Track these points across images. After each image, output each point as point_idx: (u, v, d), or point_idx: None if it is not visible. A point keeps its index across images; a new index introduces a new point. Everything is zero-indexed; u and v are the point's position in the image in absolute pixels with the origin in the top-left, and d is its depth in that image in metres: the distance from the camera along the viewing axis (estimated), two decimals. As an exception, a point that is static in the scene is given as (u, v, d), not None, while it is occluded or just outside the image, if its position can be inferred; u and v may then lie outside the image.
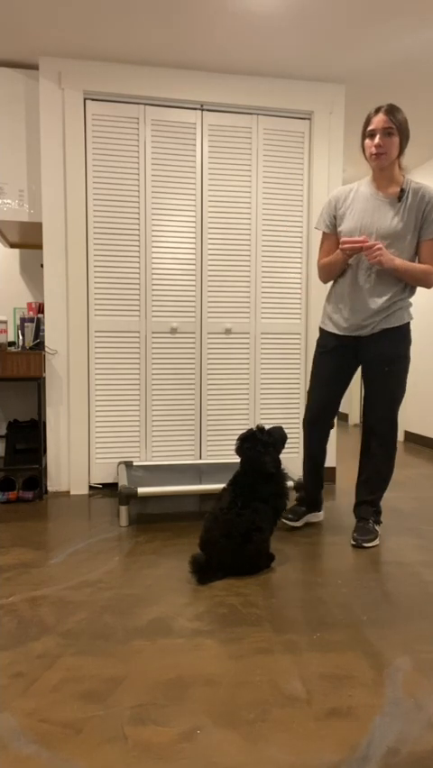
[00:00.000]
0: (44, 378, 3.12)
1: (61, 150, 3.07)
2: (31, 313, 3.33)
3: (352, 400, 5.97)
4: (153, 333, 3.25)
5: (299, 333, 3.42)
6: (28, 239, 3.53)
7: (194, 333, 3.30)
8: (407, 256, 2.29)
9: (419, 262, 2.32)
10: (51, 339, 3.15)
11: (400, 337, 2.36)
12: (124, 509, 2.63)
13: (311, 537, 2.50)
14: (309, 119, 3.32)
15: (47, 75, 3.02)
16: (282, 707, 1.33)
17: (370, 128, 2.23)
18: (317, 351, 2.52)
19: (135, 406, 3.27)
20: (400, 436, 5.12)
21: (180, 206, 3.23)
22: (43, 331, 3.16)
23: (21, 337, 3.17)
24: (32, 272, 3.73)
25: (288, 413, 3.43)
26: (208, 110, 3.21)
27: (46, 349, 3.12)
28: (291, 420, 3.42)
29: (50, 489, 3.21)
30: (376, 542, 2.41)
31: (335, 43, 2.88)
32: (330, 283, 2.48)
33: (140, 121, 3.14)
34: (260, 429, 2.20)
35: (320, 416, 2.50)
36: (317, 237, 3.34)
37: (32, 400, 3.62)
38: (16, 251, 3.72)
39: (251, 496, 2.08)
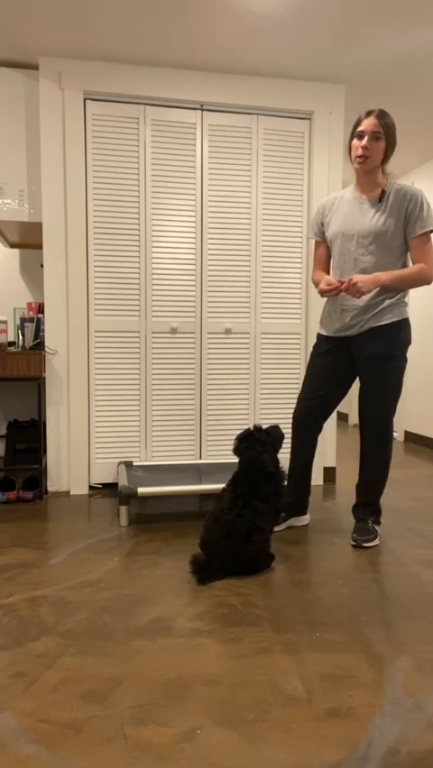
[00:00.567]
0: (44, 378, 3.12)
1: (61, 150, 3.07)
2: (31, 313, 3.33)
3: (352, 400, 5.97)
4: (153, 333, 3.25)
5: (299, 333, 3.42)
6: (28, 239, 3.53)
7: (194, 333, 3.30)
8: (392, 253, 2.29)
9: (411, 260, 2.32)
10: (51, 339, 3.15)
11: (390, 336, 2.31)
12: (124, 509, 2.63)
13: (311, 537, 2.50)
14: (309, 119, 3.32)
15: (47, 75, 3.02)
16: (282, 707, 1.33)
17: (359, 129, 2.26)
18: (311, 354, 2.54)
19: (135, 406, 3.27)
20: (400, 436, 5.12)
21: (180, 206, 3.23)
22: (43, 331, 3.16)
23: (21, 337, 3.17)
24: (32, 272, 3.73)
25: (288, 413, 3.42)
26: (208, 110, 3.21)
27: (46, 349, 3.12)
28: (290, 419, 3.42)
29: (50, 489, 3.22)
30: (376, 542, 2.41)
31: (335, 43, 2.88)
32: None
33: (140, 121, 3.14)
34: (257, 428, 2.20)
35: (306, 413, 2.49)
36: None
37: (32, 400, 3.62)
38: (16, 251, 3.72)
39: (251, 496, 2.08)
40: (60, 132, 3.06)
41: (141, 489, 2.62)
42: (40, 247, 3.49)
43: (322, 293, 2.31)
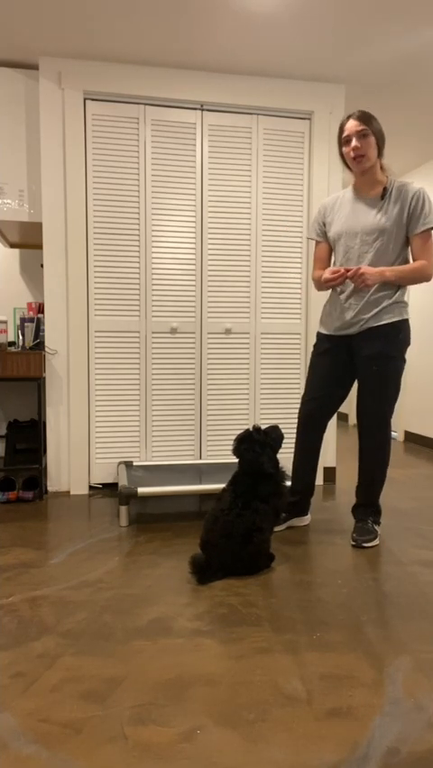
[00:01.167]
0: (44, 378, 3.12)
1: (61, 151, 3.07)
2: (31, 313, 3.33)
3: (351, 400, 5.96)
4: (153, 333, 3.25)
5: (299, 333, 3.42)
6: (28, 239, 3.53)
7: (194, 333, 3.30)
8: (394, 250, 2.30)
9: (412, 257, 2.32)
10: (51, 339, 3.15)
11: (390, 336, 2.31)
12: (124, 509, 2.63)
13: (311, 537, 2.50)
14: (309, 119, 3.32)
15: (47, 75, 3.02)
16: (282, 707, 1.33)
17: (345, 135, 2.28)
18: (312, 354, 2.55)
19: (135, 406, 3.27)
20: (400, 436, 5.12)
21: (180, 206, 3.23)
22: (43, 331, 3.16)
23: (21, 337, 3.18)
24: (32, 272, 3.73)
25: (288, 413, 3.42)
26: (208, 110, 3.21)
27: (46, 349, 3.12)
28: (291, 420, 3.42)
29: (50, 489, 3.22)
30: (376, 542, 2.41)
31: (335, 43, 2.88)
32: None
33: (140, 121, 3.14)
34: (256, 429, 2.19)
35: (311, 414, 2.50)
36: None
37: (32, 400, 3.62)
38: (16, 251, 3.72)
39: (251, 496, 2.08)
40: (60, 132, 3.06)
41: (141, 489, 2.62)
42: (40, 247, 3.50)
43: (327, 282, 2.31)
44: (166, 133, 3.18)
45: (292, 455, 2.58)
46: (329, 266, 2.51)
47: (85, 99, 3.08)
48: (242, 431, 2.22)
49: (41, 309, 3.32)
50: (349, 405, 6.07)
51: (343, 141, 2.30)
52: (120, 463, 3.19)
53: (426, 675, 1.46)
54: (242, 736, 1.23)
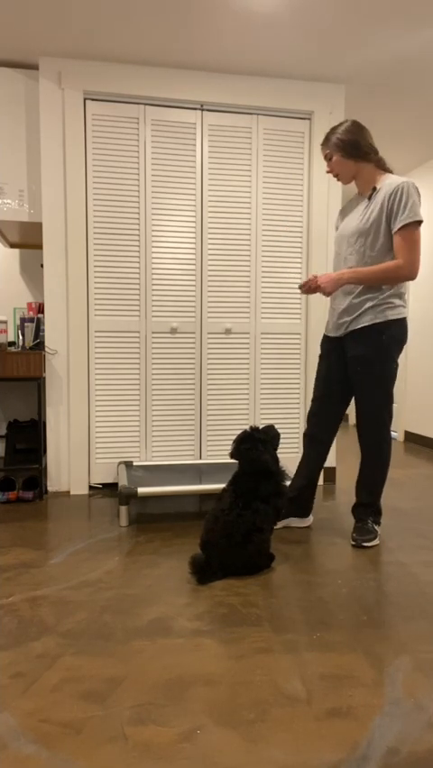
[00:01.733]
0: (44, 378, 3.12)
1: (61, 151, 3.07)
2: (31, 313, 3.33)
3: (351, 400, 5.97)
4: (153, 333, 3.25)
5: (299, 333, 3.42)
6: (28, 239, 3.53)
7: (194, 333, 3.30)
8: (378, 250, 2.27)
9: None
10: (51, 339, 3.15)
11: (370, 338, 2.29)
12: (124, 509, 2.63)
13: (311, 537, 2.50)
14: (309, 119, 3.32)
15: (47, 75, 3.02)
16: (282, 707, 1.33)
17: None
18: (319, 354, 2.58)
19: (135, 406, 3.27)
20: (400, 436, 5.12)
21: (180, 206, 3.23)
22: (43, 331, 3.16)
23: (21, 337, 3.17)
24: (32, 272, 3.73)
25: (288, 413, 3.43)
26: (208, 110, 3.21)
27: (46, 349, 3.12)
28: (291, 420, 3.43)
29: (50, 489, 3.22)
30: (376, 542, 2.41)
31: (335, 43, 2.88)
32: None
33: (140, 121, 3.14)
34: (255, 429, 2.20)
35: (315, 414, 2.52)
36: (317, 237, 3.35)
37: (32, 400, 3.62)
38: (16, 251, 3.72)
39: (252, 496, 2.08)
40: (60, 132, 3.06)
41: (141, 489, 2.62)
42: (40, 247, 3.50)
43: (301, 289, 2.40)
44: (166, 133, 3.18)
45: (295, 455, 2.58)
46: None
47: (85, 99, 3.08)
48: (239, 433, 2.22)
49: (41, 309, 3.32)
50: (349, 405, 6.07)
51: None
52: (120, 463, 3.19)
53: (426, 675, 1.46)
54: (242, 736, 1.23)
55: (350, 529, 2.51)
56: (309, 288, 2.35)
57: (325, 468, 3.45)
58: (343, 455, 3.96)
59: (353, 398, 2.51)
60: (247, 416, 3.40)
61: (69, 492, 3.21)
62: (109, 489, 3.24)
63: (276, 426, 2.30)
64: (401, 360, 5.45)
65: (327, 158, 2.35)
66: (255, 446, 2.14)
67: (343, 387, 2.48)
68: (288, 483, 2.33)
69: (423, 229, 4.67)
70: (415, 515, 2.85)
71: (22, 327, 3.16)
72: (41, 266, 3.29)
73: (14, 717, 1.29)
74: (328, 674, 1.46)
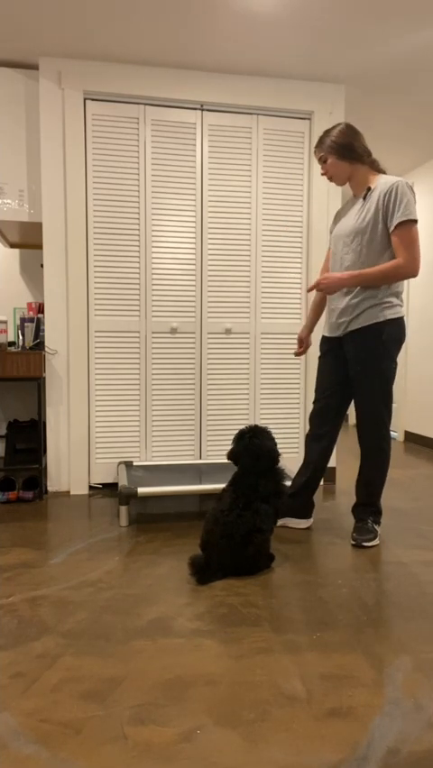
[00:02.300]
0: (44, 378, 3.12)
1: (61, 151, 3.07)
2: (31, 313, 3.33)
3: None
4: (153, 333, 3.25)
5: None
6: (28, 239, 3.53)
7: (194, 333, 3.30)
8: (374, 250, 2.27)
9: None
10: (51, 339, 3.15)
11: (369, 338, 2.30)
12: (124, 509, 2.63)
13: (311, 537, 2.50)
14: (309, 119, 3.32)
15: (47, 75, 3.02)
16: (282, 707, 1.33)
17: None
18: (319, 355, 2.58)
19: (135, 406, 3.27)
20: (400, 436, 5.12)
21: (180, 206, 3.23)
22: (43, 331, 3.16)
23: (21, 337, 3.18)
24: (32, 272, 3.73)
25: (288, 413, 3.43)
26: (208, 110, 3.21)
27: (46, 349, 3.12)
28: (291, 420, 3.43)
29: (50, 489, 3.22)
30: (376, 542, 2.41)
31: (335, 43, 2.88)
32: None
33: (140, 121, 3.14)
34: (255, 425, 2.22)
35: (316, 412, 2.52)
36: (317, 237, 3.35)
37: (32, 400, 3.62)
38: (16, 251, 3.72)
39: (252, 496, 2.08)
40: (60, 132, 3.06)
41: (141, 489, 2.62)
42: (40, 247, 3.50)
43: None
44: (166, 133, 3.18)
45: (296, 455, 2.58)
46: None
47: (85, 99, 3.08)
48: (237, 432, 2.23)
49: (41, 309, 3.32)
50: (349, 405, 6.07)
51: None
52: (120, 463, 3.19)
53: (426, 675, 1.46)
54: (242, 736, 1.23)
55: (350, 529, 2.51)
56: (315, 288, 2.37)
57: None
58: (343, 455, 3.96)
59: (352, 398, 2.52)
60: (247, 416, 3.40)
61: (69, 492, 3.21)
62: (109, 489, 3.24)
63: (275, 427, 2.31)
64: (401, 359, 5.47)
65: (322, 160, 2.36)
66: (260, 434, 2.15)
67: (343, 386, 2.49)
68: (287, 483, 2.33)
69: (422, 229, 4.68)
70: (415, 515, 2.85)
71: (22, 327, 3.16)
72: (41, 266, 3.29)
73: (14, 717, 1.29)
74: (328, 674, 1.46)
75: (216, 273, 3.30)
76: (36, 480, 3.10)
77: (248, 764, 1.15)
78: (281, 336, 3.40)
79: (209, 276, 3.29)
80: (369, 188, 2.30)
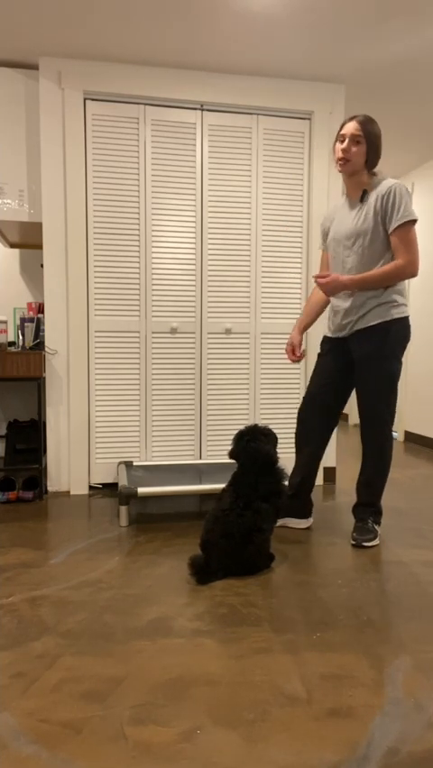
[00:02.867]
0: (44, 378, 3.12)
1: (61, 150, 3.07)
2: (31, 313, 3.33)
3: (352, 400, 5.97)
4: (153, 333, 3.25)
5: (299, 333, 3.42)
6: (28, 239, 3.53)
7: (194, 333, 3.30)
8: (375, 251, 2.28)
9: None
10: (51, 339, 3.15)
11: (377, 337, 2.31)
12: (124, 509, 2.63)
13: (311, 537, 2.50)
14: (309, 119, 3.32)
15: (47, 75, 3.02)
16: (282, 707, 1.33)
17: (341, 132, 2.28)
18: (317, 354, 2.57)
19: (135, 406, 3.27)
20: (400, 436, 5.12)
21: (180, 206, 3.23)
22: (43, 331, 3.16)
23: (21, 337, 3.18)
24: (32, 272, 3.73)
25: (288, 413, 3.42)
26: (208, 110, 3.21)
27: (46, 349, 3.12)
28: (291, 420, 3.42)
29: (50, 489, 3.22)
30: (376, 542, 2.41)
31: (335, 43, 2.88)
32: None
33: (140, 121, 3.14)
34: (255, 425, 2.21)
35: (307, 411, 2.51)
36: (317, 237, 3.35)
37: (32, 400, 3.62)
38: (16, 251, 3.72)
39: (252, 496, 2.08)
40: (60, 132, 3.06)
41: (141, 489, 2.62)
42: (40, 247, 3.50)
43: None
44: (166, 133, 3.18)
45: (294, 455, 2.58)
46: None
47: (85, 99, 3.08)
48: (238, 431, 2.23)
49: (41, 309, 3.32)
50: (349, 405, 6.07)
51: (338, 137, 2.30)
52: (120, 463, 3.19)
53: (426, 675, 1.46)
54: (242, 736, 1.23)
55: (350, 529, 2.51)
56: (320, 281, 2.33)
57: (325, 468, 3.46)
58: (343, 455, 3.96)
59: (347, 398, 2.53)
60: (247, 416, 3.40)
61: (69, 492, 3.21)
62: (109, 489, 3.24)
63: (275, 426, 2.31)
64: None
65: (355, 140, 2.23)
66: (258, 437, 2.14)
67: (340, 386, 2.48)
68: (286, 483, 2.33)
69: (422, 229, 4.68)
70: (415, 515, 2.85)
71: (22, 327, 3.16)
72: (41, 266, 3.29)
73: (14, 717, 1.29)
74: (328, 674, 1.46)
75: (216, 273, 3.30)
76: (36, 480, 3.10)
77: (248, 764, 1.15)
78: (281, 336, 3.40)
79: (209, 276, 3.29)
80: (365, 191, 2.30)
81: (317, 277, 2.32)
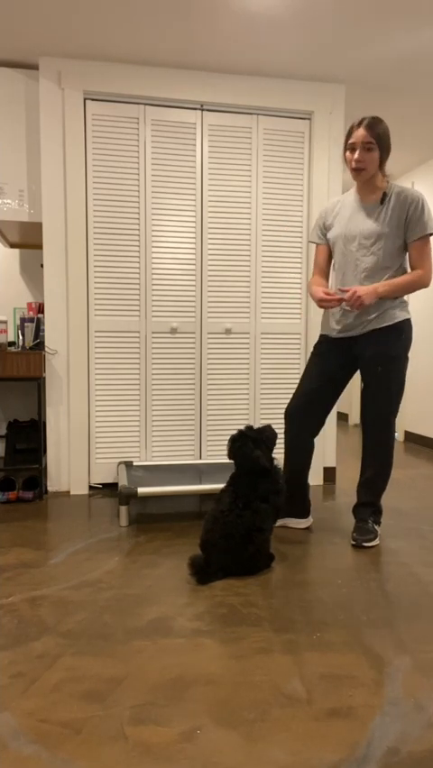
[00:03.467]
0: (44, 378, 3.12)
1: (61, 150, 3.07)
2: (31, 313, 3.33)
3: (352, 400, 5.97)
4: (153, 333, 3.25)
5: (299, 333, 3.42)
6: (28, 239, 3.53)
7: (194, 333, 3.30)
8: (392, 255, 2.30)
9: (410, 263, 2.33)
10: (51, 339, 3.15)
11: (393, 337, 2.33)
12: (124, 509, 2.63)
13: (311, 537, 2.50)
14: (309, 119, 3.32)
15: (47, 75, 3.02)
16: (282, 707, 1.33)
17: (351, 141, 2.26)
18: (310, 354, 2.55)
19: (135, 406, 3.27)
20: (401, 436, 5.12)
21: (180, 206, 3.23)
22: (43, 331, 3.16)
23: (21, 337, 3.18)
24: (32, 272, 3.73)
25: (288, 413, 3.42)
26: (208, 110, 3.21)
27: (46, 349, 3.12)
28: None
29: (50, 489, 3.22)
30: (376, 542, 2.41)
31: (335, 43, 2.88)
32: None
33: (140, 121, 3.14)
34: (249, 427, 2.21)
35: (297, 411, 2.48)
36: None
37: (32, 400, 3.62)
38: (16, 251, 3.72)
39: (251, 496, 2.08)
40: (60, 132, 3.06)
41: (141, 489, 2.62)
42: (40, 247, 3.49)
43: (322, 303, 2.32)
44: (166, 133, 3.18)
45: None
46: (328, 272, 2.51)
47: (85, 99, 3.08)
48: (235, 432, 2.22)
49: (41, 309, 3.32)
50: (349, 405, 6.07)
51: (348, 146, 2.27)
52: (120, 463, 3.19)
53: (426, 675, 1.46)
54: (242, 736, 1.23)
55: (350, 529, 2.51)
56: (339, 302, 2.27)
57: (325, 468, 3.46)
58: (343, 455, 3.96)
59: (338, 397, 2.52)
60: (247, 416, 3.40)
61: (69, 492, 3.21)
62: (109, 489, 3.24)
63: (275, 427, 2.31)
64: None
65: (367, 148, 2.21)
66: (246, 444, 2.14)
67: (332, 388, 2.47)
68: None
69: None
70: (415, 515, 2.85)
71: (22, 327, 3.16)
72: (41, 266, 3.29)
73: (14, 717, 1.29)
74: (328, 674, 1.46)
75: (216, 273, 3.30)
76: (36, 480, 3.10)
77: (248, 764, 1.15)
78: (281, 336, 3.40)
79: (209, 276, 3.29)
80: (384, 193, 2.29)
81: (336, 298, 2.26)
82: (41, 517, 2.75)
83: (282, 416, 3.38)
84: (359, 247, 2.33)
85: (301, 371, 3.41)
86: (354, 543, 2.39)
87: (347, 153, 2.29)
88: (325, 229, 2.49)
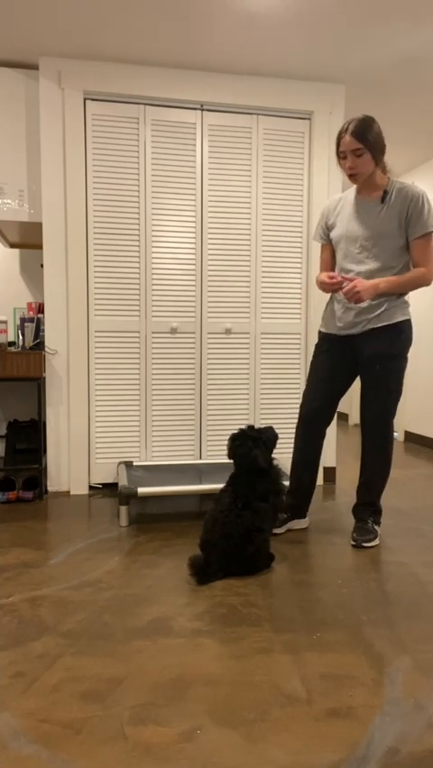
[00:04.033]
0: (44, 378, 3.12)
1: (61, 150, 3.07)
2: (31, 313, 3.33)
3: (352, 400, 5.97)
4: (153, 333, 3.25)
5: (299, 333, 3.42)
6: (28, 239, 3.53)
7: (194, 333, 3.30)
8: (394, 254, 2.29)
9: (412, 261, 2.31)
10: (51, 339, 3.15)
11: (392, 336, 2.33)
12: (124, 509, 2.63)
13: (311, 537, 2.50)
14: (309, 119, 3.32)
15: (47, 75, 3.02)
16: (282, 707, 1.33)
17: (340, 149, 2.23)
18: (313, 353, 2.54)
19: (135, 406, 3.27)
20: (400, 436, 5.12)
21: (180, 206, 3.23)
22: (43, 331, 3.16)
23: (21, 337, 3.17)
24: (32, 272, 3.73)
25: (288, 413, 3.42)
26: (208, 110, 3.21)
27: (46, 349, 3.12)
28: (291, 420, 3.42)
29: (50, 489, 3.21)
30: (376, 542, 2.41)
31: (335, 43, 2.88)
32: None
33: (140, 121, 3.14)
34: (249, 427, 2.21)
35: (314, 415, 2.48)
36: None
37: (32, 400, 3.62)
38: (16, 251, 3.72)
39: (251, 496, 2.08)
40: (60, 132, 3.06)
41: (141, 489, 2.62)
42: (40, 247, 3.49)
43: (324, 285, 2.32)
44: (166, 133, 3.18)
45: (291, 456, 2.56)
46: (334, 269, 2.50)
47: (85, 99, 3.08)
48: (235, 431, 2.23)
49: (41, 309, 3.32)
50: (349, 405, 6.07)
51: (339, 154, 2.26)
52: (120, 463, 3.19)
53: (426, 675, 1.46)
54: (242, 736, 1.23)
55: (350, 529, 2.51)
56: (339, 286, 2.26)
57: (325, 468, 3.46)
58: (343, 455, 3.95)
59: (342, 396, 2.51)
60: (247, 416, 3.40)
61: (69, 492, 3.21)
62: (109, 489, 3.24)
63: (276, 427, 2.30)
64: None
65: (357, 154, 2.18)
66: (245, 443, 2.14)
67: (339, 388, 2.48)
68: (286, 482, 2.32)
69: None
70: (415, 515, 2.85)
71: (22, 327, 3.16)
72: (41, 266, 3.28)
73: (14, 717, 1.29)
74: (328, 674, 1.46)
75: (216, 273, 3.30)
76: (36, 480, 3.10)
77: (248, 764, 1.15)
78: (281, 336, 3.40)
79: (209, 276, 3.29)
80: (385, 191, 2.28)
81: (337, 281, 2.26)
82: (41, 517, 2.75)
83: (284, 416, 3.39)
84: (361, 249, 2.33)
85: (302, 371, 3.42)
86: (353, 543, 2.39)
87: (340, 160, 2.28)
88: (327, 228, 2.48)
